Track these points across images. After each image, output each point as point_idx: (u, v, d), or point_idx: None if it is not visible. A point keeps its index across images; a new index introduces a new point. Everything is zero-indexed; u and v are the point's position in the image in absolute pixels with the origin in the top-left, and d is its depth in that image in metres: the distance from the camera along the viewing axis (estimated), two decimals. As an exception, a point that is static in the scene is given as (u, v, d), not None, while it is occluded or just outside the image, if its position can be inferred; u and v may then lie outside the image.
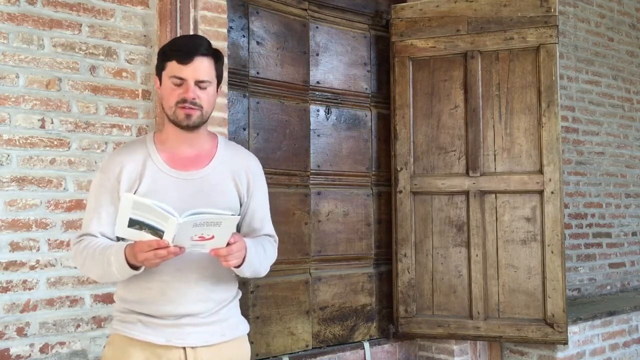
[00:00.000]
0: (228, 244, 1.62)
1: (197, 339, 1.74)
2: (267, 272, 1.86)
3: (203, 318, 1.75)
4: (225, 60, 2.66)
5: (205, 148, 1.83)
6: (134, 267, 1.64)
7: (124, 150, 1.82)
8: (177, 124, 1.75)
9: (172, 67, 1.72)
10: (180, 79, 1.71)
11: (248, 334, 1.90)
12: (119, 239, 1.76)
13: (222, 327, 1.78)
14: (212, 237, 1.57)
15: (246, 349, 1.88)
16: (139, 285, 1.73)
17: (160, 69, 1.77)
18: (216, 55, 1.78)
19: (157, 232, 1.53)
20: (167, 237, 1.53)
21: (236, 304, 1.87)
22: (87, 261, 1.70)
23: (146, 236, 1.55)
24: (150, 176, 1.74)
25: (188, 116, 1.73)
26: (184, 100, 1.71)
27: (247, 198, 1.86)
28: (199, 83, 1.72)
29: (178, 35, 2.64)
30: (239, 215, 1.82)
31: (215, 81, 1.78)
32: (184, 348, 1.72)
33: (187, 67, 1.70)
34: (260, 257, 1.80)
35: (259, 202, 1.90)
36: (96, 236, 1.74)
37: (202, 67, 1.72)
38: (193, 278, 1.74)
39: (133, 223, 1.53)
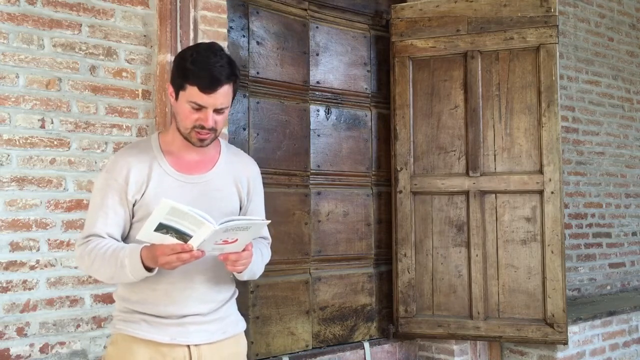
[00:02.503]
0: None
1: (200, 337, 1.77)
2: (261, 274, 1.91)
3: (205, 317, 1.78)
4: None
5: (208, 153, 1.86)
6: (148, 269, 1.66)
7: (131, 151, 1.82)
8: (189, 142, 1.77)
9: (193, 92, 1.68)
10: (201, 106, 1.70)
11: (248, 333, 1.94)
12: (124, 239, 1.78)
13: (222, 324, 1.83)
14: (236, 240, 1.60)
15: (244, 344, 1.93)
16: (145, 287, 1.75)
17: (177, 85, 1.72)
18: (236, 77, 1.75)
19: (182, 236, 1.54)
20: (194, 242, 1.54)
21: (234, 302, 1.92)
22: (96, 263, 1.70)
23: (169, 239, 1.56)
24: (156, 179, 1.76)
25: (202, 140, 1.74)
26: (202, 127, 1.71)
27: (246, 202, 1.91)
28: (218, 110, 1.72)
29: (178, 35, 2.64)
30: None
31: (231, 101, 1.77)
32: (188, 346, 1.76)
33: (210, 96, 1.68)
34: (258, 261, 1.85)
35: (257, 206, 1.95)
36: (103, 237, 1.74)
37: (223, 94, 1.71)
38: (198, 280, 1.77)
39: (160, 227, 1.54)
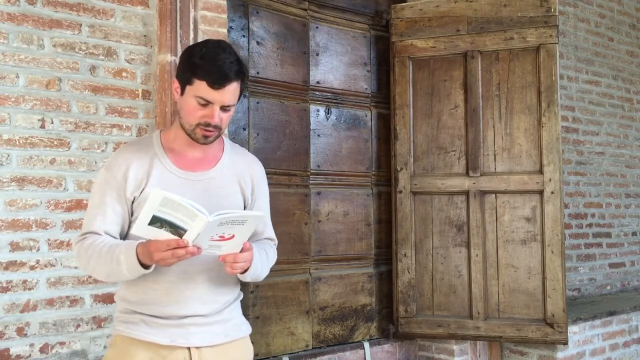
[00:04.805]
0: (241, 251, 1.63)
1: (201, 339, 1.74)
2: (266, 276, 1.88)
3: (207, 318, 1.75)
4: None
5: (211, 151, 1.84)
6: (145, 266, 1.62)
7: (130, 148, 1.80)
8: (192, 139, 1.75)
9: (201, 87, 1.66)
10: (208, 102, 1.68)
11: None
12: (123, 237, 1.75)
13: (225, 327, 1.79)
14: (232, 236, 1.56)
15: (249, 349, 1.89)
16: (144, 286, 1.72)
17: (185, 79, 1.70)
18: (244, 74, 1.73)
19: (177, 230, 1.51)
20: (189, 236, 1.51)
21: (238, 305, 1.88)
22: (93, 260, 1.68)
23: (164, 234, 1.53)
24: (157, 176, 1.74)
25: (206, 137, 1.73)
26: (207, 124, 1.69)
27: (251, 201, 1.88)
28: (224, 107, 1.70)
29: (178, 35, 2.64)
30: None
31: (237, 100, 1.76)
32: (189, 348, 1.72)
33: (218, 92, 1.66)
34: (263, 262, 1.81)
35: (262, 206, 1.92)
36: (100, 234, 1.71)
37: (231, 91, 1.69)
38: (199, 280, 1.74)
39: (154, 221, 1.51)
